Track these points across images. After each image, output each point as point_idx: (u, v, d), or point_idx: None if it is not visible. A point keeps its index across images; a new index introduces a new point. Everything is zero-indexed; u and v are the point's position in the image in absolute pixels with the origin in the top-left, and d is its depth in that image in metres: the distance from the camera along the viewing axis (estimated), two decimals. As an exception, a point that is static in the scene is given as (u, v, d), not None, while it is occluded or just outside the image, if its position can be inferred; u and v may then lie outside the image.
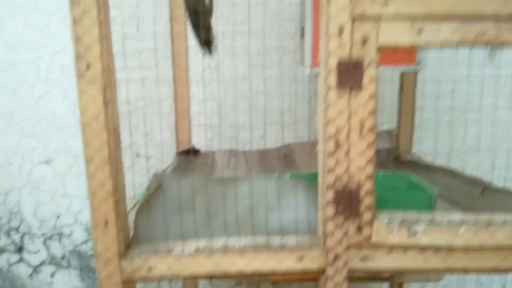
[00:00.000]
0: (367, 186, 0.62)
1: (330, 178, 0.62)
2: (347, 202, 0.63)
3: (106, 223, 0.63)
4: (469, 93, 1.42)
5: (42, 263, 1.57)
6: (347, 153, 0.61)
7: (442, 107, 1.45)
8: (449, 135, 1.39)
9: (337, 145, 0.61)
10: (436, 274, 1.22)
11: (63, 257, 1.57)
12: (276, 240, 0.66)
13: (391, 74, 1.36)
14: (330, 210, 0.63)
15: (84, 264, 1.58)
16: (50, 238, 1.55)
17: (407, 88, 1.21)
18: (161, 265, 0.64)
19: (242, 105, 1.48)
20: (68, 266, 1.58)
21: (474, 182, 0.89)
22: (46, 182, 1.51)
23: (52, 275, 1.58)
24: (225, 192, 0.64)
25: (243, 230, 0.65)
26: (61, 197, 1.52)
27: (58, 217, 1.53)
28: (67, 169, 1.49)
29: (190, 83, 1.32)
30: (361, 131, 0.60)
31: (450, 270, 0.65)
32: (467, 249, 0.64)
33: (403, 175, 0.82)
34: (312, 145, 1.33)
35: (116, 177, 0.63)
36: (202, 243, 0.65)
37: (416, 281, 1.21)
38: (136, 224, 0.65)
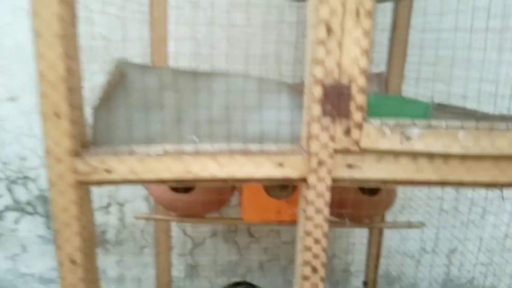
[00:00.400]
0: (360, 82, 0.55)
1: (319, 71, 0.55)
2: (336, 100, 0.55)
3: (57, 114, 0.54)
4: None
5: (6, 209, 1.47)
6: (340, 42, 0.54)
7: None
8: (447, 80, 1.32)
9: (329, 31, 0.53)
10: (418, 223, 1.18)
11: (28, 203, 1.47)
12: (254, 145, 0.59)
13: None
14: (316, 109, 0.56)
15: (51, 211, 1.49)
16: (14, 181, 1.45)
17: (400, 23, 1.14)
18: (122, 168, 0.56)
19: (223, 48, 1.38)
20: (34, 213, 1.48)
21: (472, 113, 0.83)
22: (10, 120, 1.39)
23: (16, 221, 1.49)
24: (198, 88, 0.56)
25: (218, 133, 0.57)
26: (27, 138, 1.41)
27: (23, 159, 1.43)
28: (34, 108, 1.38)
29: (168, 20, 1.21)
30: (357, 14, 0.53)
31: (444, 183, 0.59)
32: (464, 158, 0.58)
33: (396, 96, 0.75)
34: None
35: (70, 59, 0.54)
36: (170, 144, 0.57)
37: (397, 228, 1.16)
38: (95, 121, 0.57)
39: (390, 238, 1.54)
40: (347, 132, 0.56)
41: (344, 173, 0.58)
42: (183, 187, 1.11)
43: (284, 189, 1.00)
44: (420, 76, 1.26)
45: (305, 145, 0.58)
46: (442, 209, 1.51)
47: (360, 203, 1.06)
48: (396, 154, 0.57)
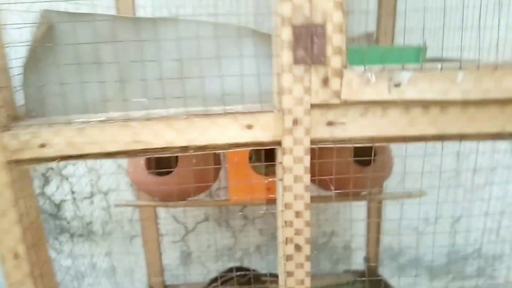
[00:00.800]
0: (337, 18, 0.45)
1: (286, 8, 0.45)
2: (309, 43, 0.46)
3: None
4: None
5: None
6: (307, -29, 0.44)
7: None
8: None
9: (293, -42, 0.44)
10: (419, 191, 1.09)
11: None
12: (215, 104, 0.49)
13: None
14: (286, 56, 0.46)
15: None
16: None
17: (388, -26, 1.03)
18: (58, 140, 0.47)
19: None
20: None
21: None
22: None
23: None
24: (143, 39, 0.47)
25: (171, 93, 0.48)
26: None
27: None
28: None
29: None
30: None
31: (443, 137, 0.50)
32: (465, 105, 0.49)
33: (383, 45, 0.65)
34: None
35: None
36: (114, 110, 0.48)
37: (396, 198, 1.07)
38: (24, 87, 0.48)
39: (391, 211, 1.46)
40: (325, 82, 0.47)
41: (324, 132, 0.49)
42: (163, 169, 1.03)
43: (272, 164, 0.92)
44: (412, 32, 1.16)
45: (277, 101, 0.49)
46: (443, 178, 1.43)
47: (355, 175, 0.97)
48: (384, 105, 0.48)
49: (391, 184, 1.43)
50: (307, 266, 0.53)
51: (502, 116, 0.49)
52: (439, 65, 0.47)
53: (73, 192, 1.45)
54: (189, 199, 1.10)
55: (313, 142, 0.49)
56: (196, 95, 0.47)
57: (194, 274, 1.57)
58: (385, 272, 1.58)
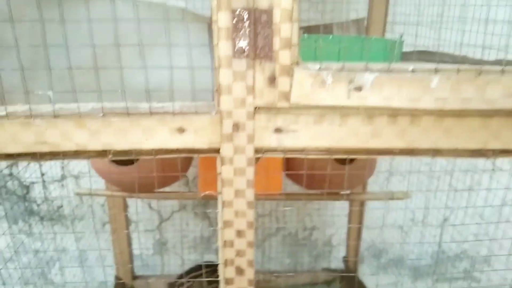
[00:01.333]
0: (286, 3, 0.37)
1: (223, -10, 0.36)
2: (252, 32, 0.37)
3: None
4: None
5: None
6: None
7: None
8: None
9: None
10: (402, 193, 1.02)
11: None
12: (140, 102, 0.41)
13: None
14: (226, 47, 0.38)
15: (-3, 186, 1.34)
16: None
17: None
18: None
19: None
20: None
21: (464, 60, 0.65)
22: None
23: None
24: (56, 19, 0.38)
25: (87, 86, 0.40)
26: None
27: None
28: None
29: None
30: None
31: (414, 152, 0.42)
32: (441, 115, 0.40)
33: (351, 36, 0.56)
34: None
35: None
36: (16, 104, 0.40)
37: (377, 199, 0.99)
38: None
39: (376, 208, 1.39)
40: (272, 81, 0.39)
41: (271, 140, 0.41)
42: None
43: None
44: (407, 21, 1.06)
45: (215, 102, 0.40)
46: (432, 176, 1.35)
47: (335, 173, 0.90)
48: (343, 111, 0.40)
49: (375, 184, 1.36)
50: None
51: (485, 130, 0.41)
52: (410, 67, 0.39)
53: (42, 174, 1.38)
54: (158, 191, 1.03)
55: (257, 151, 0.41)
56: (117, 88, 0.38)
57: (169, 265, 1.51)
58: (366, 270, 1.53)
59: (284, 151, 0.42)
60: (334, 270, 1.34)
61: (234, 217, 0.43)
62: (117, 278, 1.27)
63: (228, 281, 0.46)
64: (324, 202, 1.38)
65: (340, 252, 1.48)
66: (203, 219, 1.47)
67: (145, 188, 0.98)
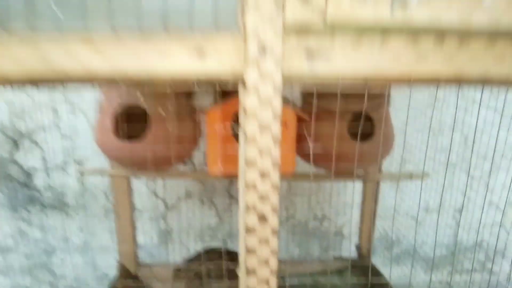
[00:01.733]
0: None
1: None
2: None
3: None
4: None
5: None
6: None
7: None
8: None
9: None
10: (421, 173, 0.97)
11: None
12: (154, 23, 0.37)
13: None
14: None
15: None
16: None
17: None
18: None
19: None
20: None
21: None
22: None
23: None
24: None
25: (96, 9, 0.35)
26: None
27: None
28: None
29: None
30: None
31: (462, 79, 0.37)
32: (493, 36, 0.36)
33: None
34: None
35: None
36: (16, 20, 0.35)
37: (395, 179, 0.94)
38: None
39: (389, 196, 1.34)
40: (305, -6, 0.34)
41: (302, 65, 0.36)
42: (132, 134, 0.91)
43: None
44: None
45: (239, 20, 0.36)
46: (449, 162, 1.30)
47: (350, 150, 0.85)
48: (384, 31, 0.35)
49: (390, 166, 1.31)
50: (274, 242, 0.41)
51: (543, 54, 0.36)
52: (462, -22, 0.34)
53: (44, 160, 1.33)
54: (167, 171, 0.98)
55: (286, 78, 0.37)
56: (129, 8, 0.34)
57: (174, 254, 1.46)
58: (378, 261, 1.47)
59: (315, 78, 0.37)
60: (346, 259, 1.29)
61: (258, 155, 0.39)
62: (121, 265, 1.22)
63: (249, 230, 0.41)
64: (335, 190, 1.33)
65: (351, 243, 1.43)
66: (210, 208, 1.42)
67: (153, 165, 0.94)
